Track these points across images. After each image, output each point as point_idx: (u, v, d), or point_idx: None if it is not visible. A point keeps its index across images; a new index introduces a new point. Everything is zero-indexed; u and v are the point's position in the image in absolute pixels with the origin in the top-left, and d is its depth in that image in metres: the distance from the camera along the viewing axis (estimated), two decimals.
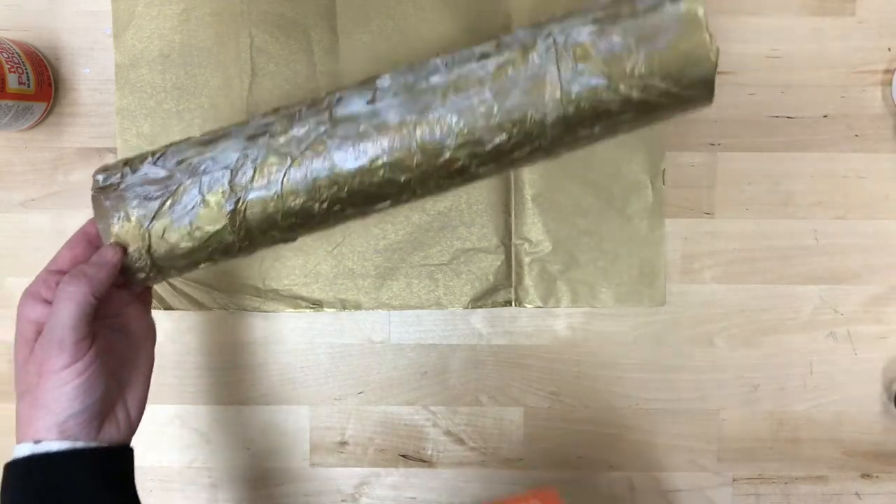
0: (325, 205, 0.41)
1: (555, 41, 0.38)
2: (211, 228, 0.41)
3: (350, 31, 0.54)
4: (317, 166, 0.40)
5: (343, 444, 0.56)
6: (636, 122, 0.40)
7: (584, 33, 0.38)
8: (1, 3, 0.55)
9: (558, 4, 0.53)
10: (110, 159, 0.55)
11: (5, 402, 0.57)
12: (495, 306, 0.54)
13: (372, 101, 0.40)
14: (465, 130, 0.39)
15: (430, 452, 0.56)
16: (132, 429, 0.42)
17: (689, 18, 0.36)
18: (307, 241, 0.54)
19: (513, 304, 0.54)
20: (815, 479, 0.55)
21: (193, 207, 0.40)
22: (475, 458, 0.56)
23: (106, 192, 0.41)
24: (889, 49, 0.53)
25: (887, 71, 0.53)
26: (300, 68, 0.54)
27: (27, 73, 0.51)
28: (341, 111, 0.40)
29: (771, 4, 0.53)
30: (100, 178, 0.42)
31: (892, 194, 0.54)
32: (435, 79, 0.39)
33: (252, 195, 0.40)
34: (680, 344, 0.55)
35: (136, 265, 0.41)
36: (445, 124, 0.39)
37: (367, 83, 0.41)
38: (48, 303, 0.40)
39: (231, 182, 0.40)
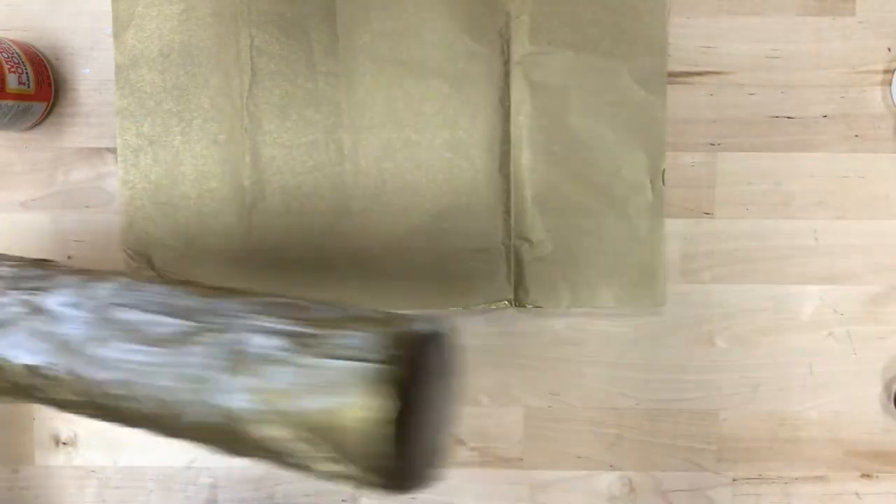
0: None
1: (229, 344, 0.31)
2: None
3: (350, 31, 0.54)
4: None
5: None
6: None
7: (268, 344, 0.30)
8: (1, 3, 0.55)
9: (558, 3, 0.53)
10: (110, 159, 0.55)
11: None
12: (496, 306, 0.54)
13: None
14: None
15: None
16: None
17: (370, 400, 0.29)
18: None
19: (513, 304, 0.54)
20: (815, 479, 0.55)
21: None
22: (475, 458, 0.56)
23: None
24: (889, 49, 0.53)
25: (887, 71, 0.53)
26: (300, 68, 0.54)
27: (27, 73, 0.51)
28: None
29: (771, 4, 0.53)
30: None
31: (892, 194, 0.54)
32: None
33: None
34: (680, 344, 0.55)
35: None
36: None
37: None
38: None
39: None
